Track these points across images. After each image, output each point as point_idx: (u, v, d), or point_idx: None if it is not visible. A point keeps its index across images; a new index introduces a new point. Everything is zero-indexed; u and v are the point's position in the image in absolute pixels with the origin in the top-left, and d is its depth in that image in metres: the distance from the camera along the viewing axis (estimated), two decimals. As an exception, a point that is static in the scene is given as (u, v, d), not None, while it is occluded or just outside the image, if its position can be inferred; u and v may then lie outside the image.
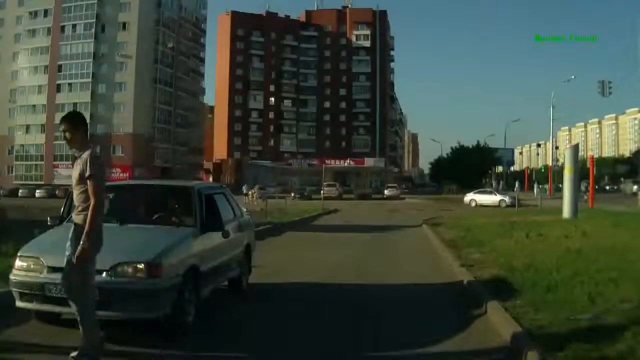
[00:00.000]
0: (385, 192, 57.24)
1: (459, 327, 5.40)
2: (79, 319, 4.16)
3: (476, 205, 35.24)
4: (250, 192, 40.02)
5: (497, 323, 5.24)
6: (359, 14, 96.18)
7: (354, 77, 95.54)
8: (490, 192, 38.07)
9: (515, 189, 45.94)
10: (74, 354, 4.08)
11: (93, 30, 69.63)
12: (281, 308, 6.39)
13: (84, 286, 4.13)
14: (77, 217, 4.19)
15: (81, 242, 4.01)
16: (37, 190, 56.41)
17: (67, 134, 4.17)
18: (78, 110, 69.93)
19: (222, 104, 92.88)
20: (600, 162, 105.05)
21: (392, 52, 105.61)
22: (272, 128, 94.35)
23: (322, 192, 40.22)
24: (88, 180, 4.08)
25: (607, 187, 76.29)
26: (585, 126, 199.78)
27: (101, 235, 4.18)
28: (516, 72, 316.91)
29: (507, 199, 35.31)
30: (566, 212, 17.65)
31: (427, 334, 5.18)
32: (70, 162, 4.41)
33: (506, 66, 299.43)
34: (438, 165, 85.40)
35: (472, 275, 7.82)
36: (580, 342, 4.20)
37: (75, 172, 4.19)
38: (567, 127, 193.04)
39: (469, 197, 38.79)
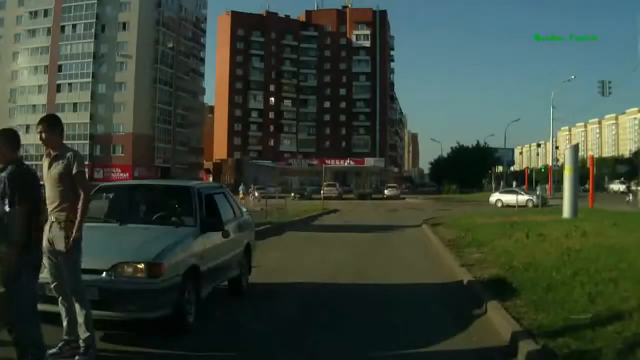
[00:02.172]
0: (385, 192, 57.26)
1: (459, 326, 5.41)
2: (82, 319, 4.19)
3: (502, 205, 34.27)
4: (242, 194, 38.48)
5: (497, 323, 5.25)
6: (359, 14, 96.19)
7: (354, 77, 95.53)
8: (517, 192, 37.50)
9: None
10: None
11: (93, 30, 69.63)
12: (281, 308, 6.39)
13: (79, 281, 4.20)
14: (59, 215, 4.21)
15: (74, 231, 4.10)
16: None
17: (44, 135, 4.27)
18: (78, 110, 69.94)
19: (222, 104, 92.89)
20: (600, 162, 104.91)
21: (392, 52, 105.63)
22: (272, 128, 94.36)
23: (322, 192, 40.23)
24: (76, 176, 4.21)
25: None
26: (585, 126, 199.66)
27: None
28: (516, 72, 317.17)
29: (534, 198, 35.08)
30: (566, 212, 17.61)
31: (427, 334, 5.19)
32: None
33: (506, 66, 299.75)
34: (438, 165, 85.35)
35: (472, 275, 7.82)
36: (580, 341, 4.21)
37: (53, 171, 4.26)
38: (567, 127, 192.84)
39: (495, 197, 37.97)
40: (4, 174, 3.69)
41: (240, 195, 37.14)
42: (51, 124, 4.33)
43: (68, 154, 4.26)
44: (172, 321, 4.87)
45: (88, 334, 4.19)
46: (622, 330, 4.40)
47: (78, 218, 4.15)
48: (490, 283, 7.06)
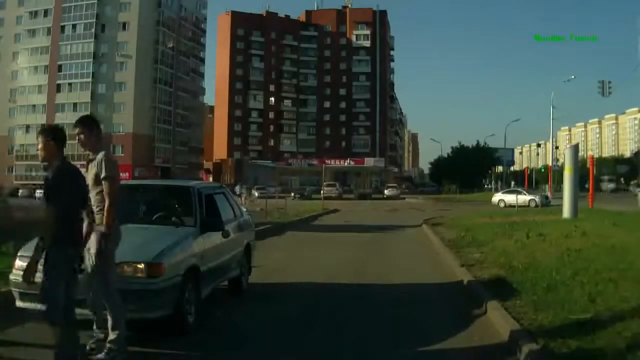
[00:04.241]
0: (385, 192, 57.33)
1: (459, 326, 5.41)
2: (111, 321, 4.23)
3: (505, 205, 34.11)
4: (240, 194, 37.68)
5: (497, 322, 5.25)
6: (358, 14, 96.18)
7: (354, 77, 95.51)
8: (520, 192, 37.40)
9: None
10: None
11: (93, 30, 69.74)
12: (281, 308, 6.38)
13: (109, 284, 4.23)
14: (97, 218, 4.25)
15: (96, 242, 4.12)
16: (37, 191, 56.33)
17: (82, 137, 4.26)
18: (78, 110, 69.89)
19: (222, 104, 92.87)
20: (600, 162, 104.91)
21: (392, 52, 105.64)
22: (272, 128, 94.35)
23: (322, 192, 40.27)
24: (103, 181, 4.18)
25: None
26: (585, 126, 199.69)
27: (119, 232, 4.30)
28: (516, 72, 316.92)
29: (536, 198, 35.04)
30: (566, 212, 17.60)
31: (427, 334, 5.20)
32: (84, 163, 4.45)
33: (506, 66, 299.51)
34: (438, 165, 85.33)
35: (472, 275, 7.83)
36: (580, 342, 4.21)
37: (90, 174, 4.25)
38: (567, 127, 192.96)
39: (498, 197, 37.86)
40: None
41: (238, 193, 36.93)
42: (86, 125, 4.29)
43: (99, 157, 4.22)
44: (172, 321, 4.87)
45: (114, 336, 4.21)
46: (622, 330, 4.40)
47: (104, 229, 4.12)
48: (490, 283, 7.07)
